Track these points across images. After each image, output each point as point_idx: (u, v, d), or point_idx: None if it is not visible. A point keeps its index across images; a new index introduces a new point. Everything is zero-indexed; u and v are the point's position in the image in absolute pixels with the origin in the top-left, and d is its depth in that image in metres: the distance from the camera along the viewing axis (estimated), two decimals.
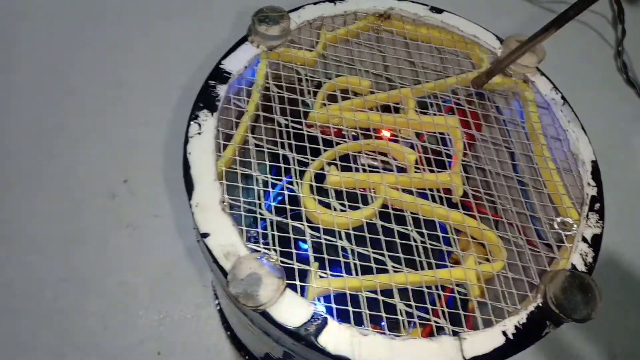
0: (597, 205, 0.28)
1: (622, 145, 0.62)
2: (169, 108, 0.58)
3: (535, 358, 0.47)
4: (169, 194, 0.54)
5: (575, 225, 0.27)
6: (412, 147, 0.29)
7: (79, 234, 0.51)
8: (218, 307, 0.47)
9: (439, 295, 0.25)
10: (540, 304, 0.25)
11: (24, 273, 0.48)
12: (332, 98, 0.31)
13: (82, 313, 0.48)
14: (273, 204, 0.26)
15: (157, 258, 0.51)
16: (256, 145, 0.28)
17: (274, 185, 0.28)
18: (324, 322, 0.23)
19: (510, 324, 0.24)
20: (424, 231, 0.26)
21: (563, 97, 0.31)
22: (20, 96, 0.58)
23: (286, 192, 0.27)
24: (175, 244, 0.52)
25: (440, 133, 0.30)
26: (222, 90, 0.28)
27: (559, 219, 0.28)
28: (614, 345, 0.50)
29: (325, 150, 0.28)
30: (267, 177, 0.27)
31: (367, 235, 0.26)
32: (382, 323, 0.24)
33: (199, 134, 0.27)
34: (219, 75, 0.29)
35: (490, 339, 0.24)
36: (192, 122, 0.27)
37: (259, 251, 0.24)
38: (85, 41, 0.62)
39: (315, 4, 0.32)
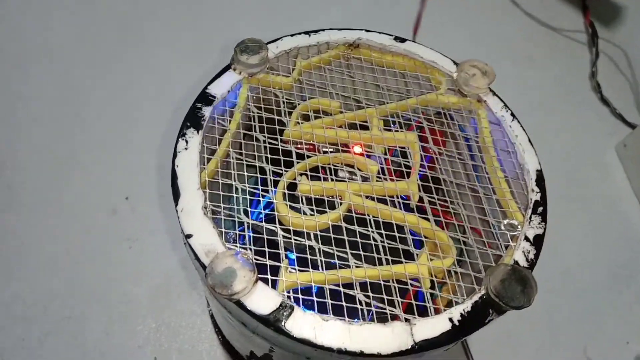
0: (540, 209, 0.31)
1: (597, 161, 0.66)
2: (163, 135, 0.62)
3: None
4: (164, 211, 0.58)
5: (519, 227, 0.31)
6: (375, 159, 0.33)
7: (86, 249, 0.55)
8: (210, 314, 0.51)
9: (394, 288, 0.28)
10: (484, 295, 0.28)
11: (36, 285, 0.52)
12: (306, 118, 0.35)
13: (86, 321, 0.51)
14: (250, 209, 0.30)
15: (155, 270, 0.55)
16: (237, 159, 0.32)
17: (252, 194, 0.31)
18: (291, 310, 0.26)
19: (456, 312, 0.27)
20: (383, 232, 0.30)
21: (512, 114, 0.35)
22: (37, 127, 0.63)
23: (262, 199, 0.30)
24: (170, 257, 0.56)
25: (401, 147, 0.34)
26: (207, 111, 0.32)
27: (505, 221, 0.31)
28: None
29: (297, 163, 0.32)
30: (246, 186, 0.31)
31: (332, 235, 0.30)
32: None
33: (186, 149, 0.31)
34: (205, 98, 0.33)
35: (437, 324, 0.27)
36: (180, 139, 0.31)
37: (235, 249, 0.28)
38: (92, 78, 0.67)
39: (292, 35, 0.36)
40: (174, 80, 0.66)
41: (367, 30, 0.37)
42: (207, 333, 0.52)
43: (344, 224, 0.30)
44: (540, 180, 0.33)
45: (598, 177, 0.65)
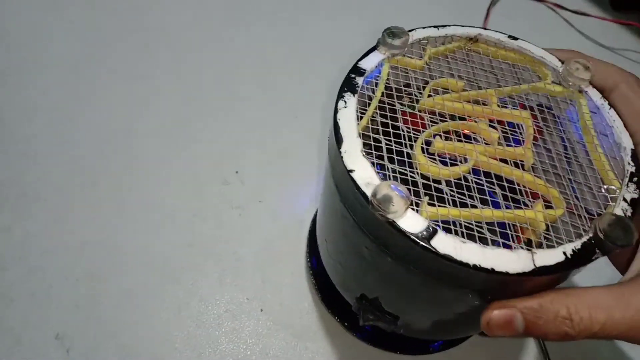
0: (635, 179, 0.37)
1: None
2: (279, 117, 0.71)
3: None
4: (269, 185, 0.65)
5: (618, 191, 0.37)
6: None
7: (200, 211, 0.63)
8: (311, 272, 0.57)
9: (515, 226, 0.35)
10: (591, 237, 0.34)
11: (159, 240, 0.60)
12: (434, 93, 0.42)
13: (203, 273, 0.59)
14: (397, 158, 0.37)
15: (260, 236, 0.62)
16: (381, 120, 0.39)
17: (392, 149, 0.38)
18: (435, 232, 0.33)
19: (568, 248, 0.33)
20: (505, 184, 0.36)
21: (609, 104, 0.41)
22: (157, 102, 0.72)
23: (405, 150, 0.37)
24: (274, 225, 0.63)
25: (516, 122, 0.41)
26: (359, 80, 0.40)
27: (605, 187, 0.37)
28: None
29: (430, 126, 0.39)
30: (391, 140, 0.38)
31: (463, 183, 0.36)
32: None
33: (345, 107, 0.38)
34: (357, 71, 0.40)
35: (554, 255, 0.33)
36: (339, 100, 0.39)
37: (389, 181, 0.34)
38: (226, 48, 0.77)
39: (423, 28, 0.44)
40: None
41: (484, 28, 0.45)
42: (305, 292, 0.58)
43: (471, 176, 0.37)
44: (635, 157, 0.38)
45: None
